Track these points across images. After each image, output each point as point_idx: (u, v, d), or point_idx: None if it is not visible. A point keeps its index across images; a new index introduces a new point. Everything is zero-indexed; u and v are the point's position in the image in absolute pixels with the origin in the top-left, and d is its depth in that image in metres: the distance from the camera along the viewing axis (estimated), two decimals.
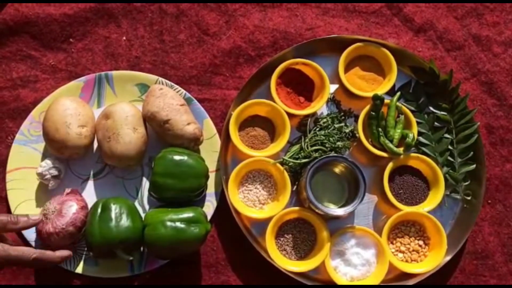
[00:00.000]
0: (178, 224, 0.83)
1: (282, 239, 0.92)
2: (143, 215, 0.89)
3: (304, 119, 0.96)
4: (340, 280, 0.89)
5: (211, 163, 0.93)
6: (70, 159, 0.92)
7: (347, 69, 0.98)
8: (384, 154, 0.93)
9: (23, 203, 0.91)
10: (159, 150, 0.90)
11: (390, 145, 0.93)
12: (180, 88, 0.95)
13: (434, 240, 0.92)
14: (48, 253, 0.78)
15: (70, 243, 0.87)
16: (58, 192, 0.90)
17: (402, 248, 0.92)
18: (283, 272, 0.89)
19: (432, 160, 0.94)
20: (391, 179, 0.94)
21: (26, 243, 0.89)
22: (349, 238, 0.91)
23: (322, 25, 1.02)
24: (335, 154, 0.92)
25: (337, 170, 0.93)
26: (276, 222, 0.90)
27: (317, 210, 0.89)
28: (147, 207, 0.93)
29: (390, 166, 0.92)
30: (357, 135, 0.95)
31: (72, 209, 0.85)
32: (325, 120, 0.95)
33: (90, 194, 0.92)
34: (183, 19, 1.01)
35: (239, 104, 0.93)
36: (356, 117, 0.97)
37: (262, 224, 0.91)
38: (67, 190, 0.89)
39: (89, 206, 0.88)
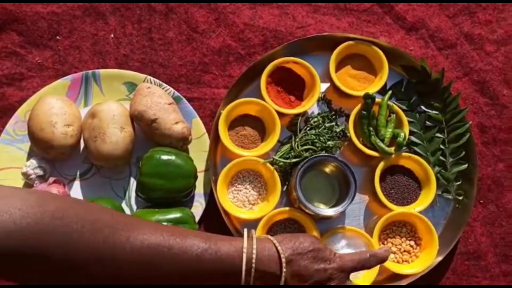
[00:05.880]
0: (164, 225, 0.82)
1: None
2: None
3: (294, 118, 0.95)
4: None
5: (200, 163, 0.92)
6: (56, 159, 0.91)
7: (338, 67, 0.97)
8: (375, 154, 0.92)
9: None
10: (147, 149, 0.88)
11: (381, 144, 0.92)
12: (168, 87, 0.94)
13: (426, 240, 0.91)
14: (377, 250, 0.74)
15: None
16: None
17: (393, 249, 0.91)
18: None
19: (423, 159, 0.93)
20: (382, 179, 0.93)
21: None
22: (340, 238, 0.90)
23: (313, 23, 1.01)
24: (326, 154, 0.91)
25: (327, 170, 0.92)
26: (266, 223, 0.89)
27: (307, 211, 0.88)
28: (134, 207, 0.91)
29: (381, 165, 0.91)
30: (348, 134, 0.94)
31: None
32: (315, 119, 0.94)
33: (77, 195, 0.91)
34: (172, 16, 0.99)
35: (228, 103, 0.92)
36: (347, 116, 0.96)
37: (251, 224, 0.89)
38: (51, 180, 0.87)
39: None
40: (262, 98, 0.92)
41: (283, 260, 0.65)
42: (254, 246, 0.65)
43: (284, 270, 0.65)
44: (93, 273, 0.58)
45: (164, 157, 0.86)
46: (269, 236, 0.68)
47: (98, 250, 0.57)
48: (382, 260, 0.73)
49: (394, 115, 0.94)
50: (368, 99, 0.92)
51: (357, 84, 0.97)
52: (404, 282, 0.90)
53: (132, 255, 0.59)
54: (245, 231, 0.68)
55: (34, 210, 0.55)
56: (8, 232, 0.53)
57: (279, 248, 0.66)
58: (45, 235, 0.55)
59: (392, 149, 0.92)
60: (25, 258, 0.55)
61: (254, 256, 0.64)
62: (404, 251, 0.91)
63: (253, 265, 0.64)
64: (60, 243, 0.56)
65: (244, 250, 0.64)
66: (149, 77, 0.94)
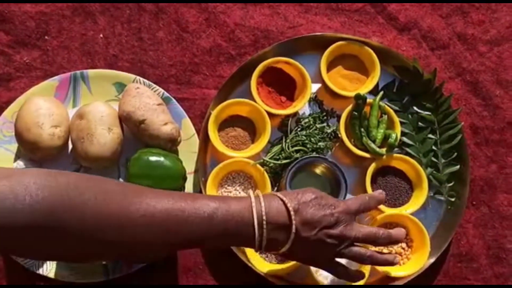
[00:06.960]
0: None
1: None
2: None
3: (285, 119, 0.94)
4: (321, 283, 0.87)
5: (190, 164, 0.91)
6: (44, 160, 0.89)
7: (329, 68, 0.96)
8: (367, 155, 0.91)
9: None
10: (135, 151, 0.87)
11: (373, 145, 0.91)
12: (158, 87, 0.93)
13: (418, 242, 0.91)
14: (373, 193, 0.79)
15: None
16: None
17: (385, 251, 0.91)
18: (262, 275, 0.86)
19: (415, 160, 0.92)
20: (374, 180, 0.92)
21: None
22: None
23: (304, 23, 1.00)
24: (316, 155, 0.90)
25: (318, 171, 0.91)
26: None
27: None
28: None
29: (372, 167, 0.91)
30: (339, 135, 0.93)
31: None
32: (307, 120, 0.93)
33: None
34: (162, 16, 0.99)
35: (218, 103, 0.91)
36: (339, 117, 0.95)
37: None
38: None
39: None
40: (253, 99, 0.92)
41: (291, 209, 0.67)
42: (262, 200, 0.67)
43: (293, 218, 0.67)
44: (111, 240, 0.60)
45: (153, 158, 0.85)
46: (273, 192, 0.72)
47: (114, 217, 0.59)
48: (380, 201, 0.77)
49: (386, 115, 0.93)
50: (359, 99, 0.91)
51: (348, 84, 0.96)
52: (395, 284, 0.89)
53: (145, 219, 0.61)
54: (250, 191, 0.70)
55: (48, 183, 0.57)
56: (25, 205, 0.55)
57: (285, 199, 0.68)
58: (62, 205, 0.57)
59: (383, 150, 0.91)
60: (45, 230, 0.56)
61: (263, 209, 0.66)
62: (396, 253, 0.91)
63: (264, 217, 0.66)
64: (77, 213, 0.58)
65: (253, 204, 0.66)
66: (138, 77, 0.93)
